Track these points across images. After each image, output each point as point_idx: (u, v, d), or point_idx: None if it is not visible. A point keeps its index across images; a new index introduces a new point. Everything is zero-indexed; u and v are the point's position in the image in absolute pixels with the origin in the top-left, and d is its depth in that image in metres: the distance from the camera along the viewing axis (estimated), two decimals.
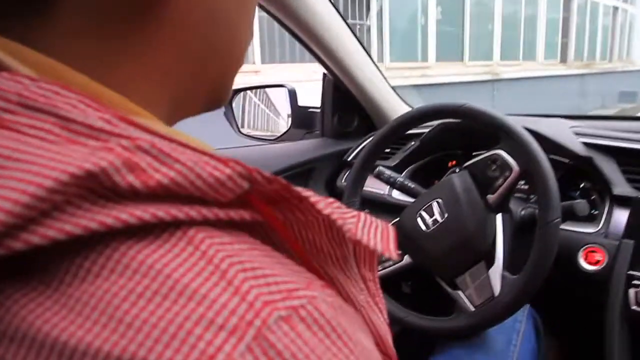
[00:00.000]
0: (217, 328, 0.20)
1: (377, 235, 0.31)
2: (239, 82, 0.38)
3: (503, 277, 0.80)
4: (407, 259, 0.90)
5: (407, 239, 0.89)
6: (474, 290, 0.82)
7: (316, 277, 0.27)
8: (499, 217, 0.84)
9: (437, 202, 0.86)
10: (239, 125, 1.41)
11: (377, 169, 1.03)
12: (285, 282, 0.23)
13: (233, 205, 0.25)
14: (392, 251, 0.30)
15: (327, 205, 0.28)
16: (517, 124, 0.81)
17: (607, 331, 0.84)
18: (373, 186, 1.14)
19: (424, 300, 1.01)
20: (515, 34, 10.05)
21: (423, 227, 0.86)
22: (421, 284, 0.92)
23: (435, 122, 1.11)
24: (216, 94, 0.36)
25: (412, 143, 1.17)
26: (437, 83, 6.79)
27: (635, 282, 0.81)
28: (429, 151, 1.18)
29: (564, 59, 11.93)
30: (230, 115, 1.40)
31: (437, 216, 0.85)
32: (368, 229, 0.31)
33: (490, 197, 0.83)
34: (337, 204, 0.31)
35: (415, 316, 0.87)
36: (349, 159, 1.24)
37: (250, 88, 1.41)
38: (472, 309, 0.82)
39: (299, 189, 0.26)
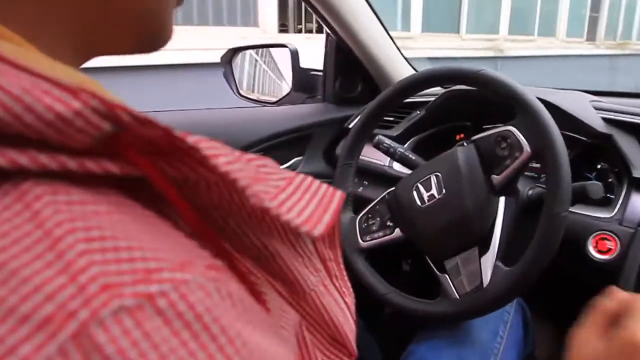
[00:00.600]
0: (17, 320, 0.14)
1: (311, 204, 0.25)
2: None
3: (495, 267, 0.73)
4: (398, 232, 0.83)
5: (400, 211, 0.82)
6: (462, 277, 0.76)
7: (210, 255, 0.20)
8: (501, 200, 0.76)
9: (436, 175, 0.79)
10: (238, 87, 1.33)
11: (377, 137, 0.95)
12: (146, 259, 0.16)
13: (95, 153, 0.18)
14: (317, 226, 0.24)
15: (234, 160, 0.21)
16: (535, 98, 0.72)
17: None
18: (372, 156, 1.07)
19: (417, 280, 0.94)
20: (530, 3, 8.42)
21: (418, 202, 0.79)
22: (417, 261, 0.85)
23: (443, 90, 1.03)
24: (148, 29, 0.29)
25: (417, 112, 1.09)
26: (419, 57, 5.34)
27: None
28: (435, 122, 1.10)
29: (591, 37, 10.05)
30: (229, 76, 1.33)
31: (434, 191, 0.78)
32: (301, 195, 0.24)
33: (495, 178, 0.75)
34: (262, 162, 0.25)
35: (397, 294, 0.81)
36: (350, 126, 1.17)
37: (250, 47, 1.33)
38: (457, 296, 0.75)
39: (194, 137, 0.20)
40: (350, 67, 1.17)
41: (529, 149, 0.71)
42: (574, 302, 0.86)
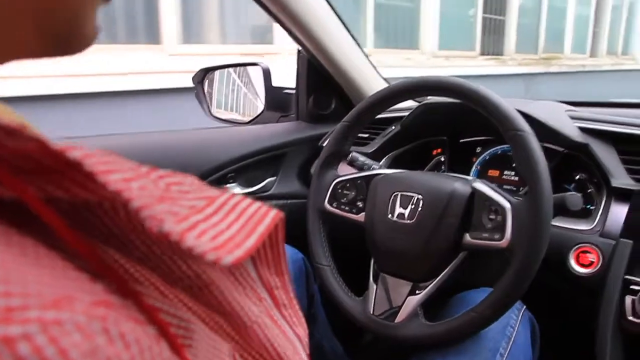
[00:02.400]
0: None
1: (234, 226, 0.22)
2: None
3: (414, 313, 0.72)
4: (362, 217, 0.81)
5: (371, 204, 0.79)
6: (385, 297, 0.75)
7: (104, 290, 0.17)
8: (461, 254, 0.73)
9: (419, 198, 0.74)
10: (211, 107, 1.30)
11: (351, 154, 0.92)
12: (10, 294, 0.14)
13: None
14: (234, 251, 0.20)
15: (133, 178, 0.18)
16: (518, 114, 0.68)
17: (599, 342, 0.73)
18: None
19: (354, 268, 0.92)
20: None
21: (388, 210, 0.76)
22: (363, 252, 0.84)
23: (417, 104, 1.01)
24: (58, 26, 0.26)
25: (392, 128, 1.07)
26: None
27: (633, 287, 0.71)
28: (410, 137, 1.07)
29: (495, 49, 6.51)
30: (201, 96, 1.30)
31: (407, 212, 0.74)
32: (222, 216, 0.22)
33: (467, 238, 0.71)
34: (177, 179, 0.22)
35: (332, 273, 0.81)
36: (325, 144, 1.14)
37: (221, 67, 1.30)
38: (371, 310, 0.75)
39: (83, 151, 0.17)
40: (323, 83, 1.15)
41: (507, 241, 0.66)
42: (557, 324, 0.83)
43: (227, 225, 0.21)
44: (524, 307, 0.81)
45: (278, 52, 3.91)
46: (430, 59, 5.49)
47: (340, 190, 0.84)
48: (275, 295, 0.29)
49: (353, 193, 0.83)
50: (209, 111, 1.30)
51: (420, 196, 0.74)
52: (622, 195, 0.78)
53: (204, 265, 0.23)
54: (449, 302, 0.81)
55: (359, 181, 0.84)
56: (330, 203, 0.85)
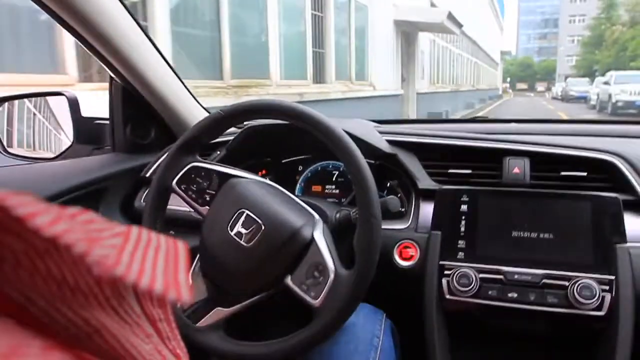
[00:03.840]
0: None
1: (159, 262, 0.21)
2: None
3: (216, 327, 0.75)
4: (205, 210, 0.79)
5: (216, 204, 0.78)
6: (194, 296, 0.76)
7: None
8: None
9: (260, 226, 0.73)
10: (4, 143, 1.14)
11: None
12: None
13: None
14: (179, 288, 0.20)
15: (56, 219, 0.17)
16: (340, 128, 0.75)
17: (427, 323, 0.84)
18: (178, 204, 1.01)
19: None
20: None
21: (229, 224, 0.74)
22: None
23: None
24: None
25: (218, 152, 1.08)
26: None
27: (447, 271, 0.83)
28: (237, 160, 1.09)
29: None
30: None
31: (245, 233, 0.74)
32: (142, 254, 0.21)
33: (287, 279, 0.72)
34: (87, 216, 0.20)
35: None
36: (147, 175, 1.09)
37: (18, 96, 1.16)
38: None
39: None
40: (140, 112, 1.11)
41: (319, 303, 0.69)
42: (395, 316, 0.92)
43: (152, 262, 0.20)
44: (384, 314, 0.87)
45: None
46: None
47: (192, 176, 0.82)
48: (159, 328, 0.27)
49: (205, 184, 0.81)
50: (3, 148, 1.14)
51: (263, 225, 0.73)
52: (427, 195, 0.91)
53: (90, 308, 0.21)
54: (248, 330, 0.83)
55: (214, 174, 0.82)
56: (179, 184, 0.81)
